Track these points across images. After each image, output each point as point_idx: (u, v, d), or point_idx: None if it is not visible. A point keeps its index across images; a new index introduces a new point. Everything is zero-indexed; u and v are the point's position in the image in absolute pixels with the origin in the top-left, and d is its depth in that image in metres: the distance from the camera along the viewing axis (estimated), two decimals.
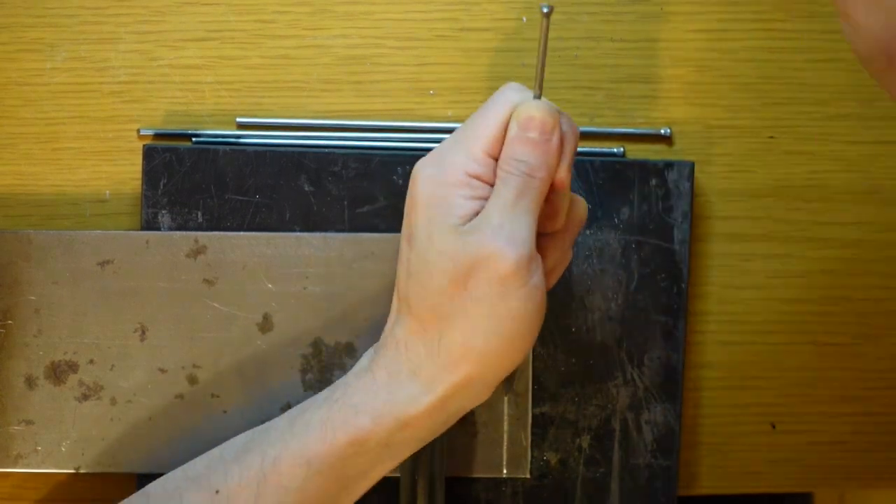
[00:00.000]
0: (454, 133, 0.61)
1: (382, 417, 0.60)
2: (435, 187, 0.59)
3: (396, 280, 0.62)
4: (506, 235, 0.57)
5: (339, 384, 0.62)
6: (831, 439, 0.76)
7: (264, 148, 0.72)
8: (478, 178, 0.59)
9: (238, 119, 0.73)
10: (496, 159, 0.59)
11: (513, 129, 0.59)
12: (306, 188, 0.71)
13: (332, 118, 0.74)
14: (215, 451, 0.63)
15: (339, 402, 0.61)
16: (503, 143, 0.59)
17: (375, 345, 0.63)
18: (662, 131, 0.73)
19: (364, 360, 0.63)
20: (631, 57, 0.73)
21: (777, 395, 0.75)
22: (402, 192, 0.71)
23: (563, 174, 0.60)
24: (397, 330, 0.61)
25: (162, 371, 0.69)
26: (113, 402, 0.69)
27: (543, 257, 0.61)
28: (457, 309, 0.58)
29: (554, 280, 0.63)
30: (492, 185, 0.59)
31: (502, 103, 0.60)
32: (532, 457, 0.72)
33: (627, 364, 0.72)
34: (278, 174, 0.71)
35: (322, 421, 0.61)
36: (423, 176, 0.60)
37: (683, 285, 0.72)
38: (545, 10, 0.57)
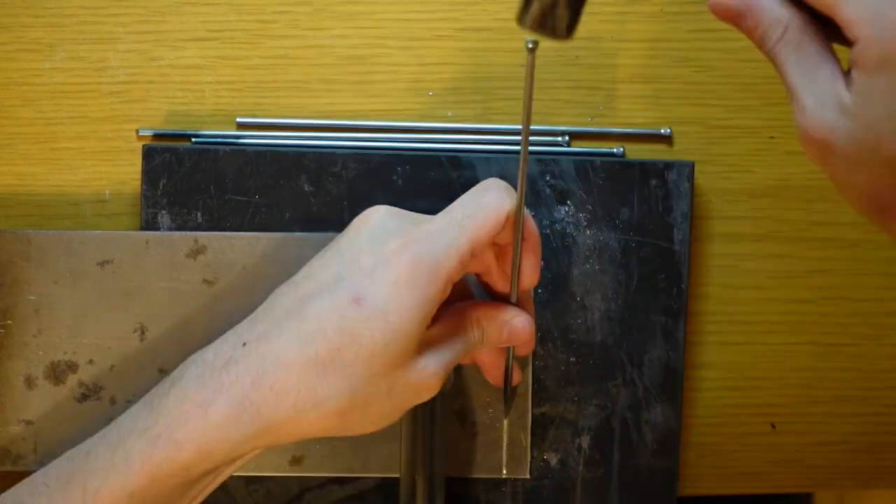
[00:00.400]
0: (441, 223, 0.60)
1: (212, 454, 0.58)
2: (428, 282, 0.58)
3: (280, 296, 0.61)
4: (439, 378, 0.60)
5: (159, 409, 0.59)
6: (831, 439, 0.76)
7: (264, 148, 0.72)
8: (453, 281, 0.59)
9: (238, 119, 0.73)
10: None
11: (502, 332, 0.62)
12: (306, 188, 0.71)
13: (332, 118, 0.73)
14: (38, 477, 0.61)
15: (162, 437, 0.58)
16: (483, 248, 0.60)
17: (201, 357, 0.61)
18: (663, 131, 0.73)
19: (190, 379, 0.60)
20: (631, 57, 0.73)
21: (777, 395, 0.75)
22: (402, 192, 0.71)
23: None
24: (250, 363, 0.59)
25: (161, 371, 0.69)
26: (112, 402, 0.69)
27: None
28: (337, 373, 0.58)
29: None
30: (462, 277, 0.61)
31: (495, 212, 0.59)
32: (532, 457, 0.72)
33: (627, 364, 0.72)
34: (278, 174, 0.71)
35: (144, 455, 0.58)
36: (414, 256, 0.58)
37: (683, 285, 0.72)
38: (530, 46, 0.55)
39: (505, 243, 0.62)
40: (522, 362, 0.70)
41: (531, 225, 0.62)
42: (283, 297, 0.60)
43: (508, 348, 0.66)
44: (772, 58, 0.51)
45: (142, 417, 0.60)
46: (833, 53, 0.51)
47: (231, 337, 0.61)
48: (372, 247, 0.59)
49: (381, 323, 0.57)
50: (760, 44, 0.52)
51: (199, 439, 0.58)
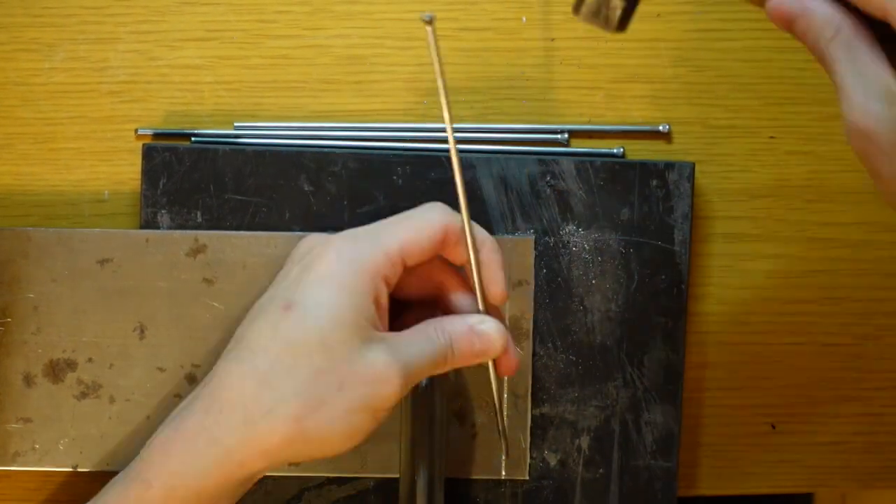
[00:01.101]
0: (369, 228, 0.62)
1: (175, 489, 0.60)
2: (352, 271, 0.60)
3: (251, 327, 0.62)
4: (396, 371, 0.59)
5: (139, 456, 0.62)
6: (831, 439, 0.76)
7: (263, 148, 0.72)
8: (386, 280, 0.61)
9: (236, 124, 0.73)
10: (404, 267, 0.61)
11: (473, 340, 0.62)
12: (306, 188, 0.71)
13: (332, 118, 0.73)
14: None
15: (135, 477, 0.61)
16: (418, 254, 0.61)
17: (178, 407, 0.63)
18: (661, 128, 0.73)
19: (165, 424, 0.62)
20: (631, 57, 0.73)
21: (777, 395, 0.75)
22: (401, 191, 0.71)
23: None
24: (203, 395, 0.61)
25: (161, 370, 0.69)
26: (111, 400, 0.69)
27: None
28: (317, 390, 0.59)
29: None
30: (390, 289, 0.61)
31: (428, 219, 0.62)
32: (531, 458, 0.72)
33: (627, 365, 0.72)
34: (278, 174, 0.71)
35: (119, 495, 0.61)
36: (336, 250, 0.60)
37: (683, 286, 0.72)
38: (426, 18, 0.55)
39: (461, 262, 0.63)
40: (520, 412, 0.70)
41: (483, 233, 0.63)
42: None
43: (500, 384, 0.66)
44: (822, 57, 0.53)
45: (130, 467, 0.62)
46: (883, 53, 0.52)
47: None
48: (299, 261, 0.62)
49: (312, 321, 0.59)
50: (813, 45, 0.53)
51: (164, 475, 0.60)
